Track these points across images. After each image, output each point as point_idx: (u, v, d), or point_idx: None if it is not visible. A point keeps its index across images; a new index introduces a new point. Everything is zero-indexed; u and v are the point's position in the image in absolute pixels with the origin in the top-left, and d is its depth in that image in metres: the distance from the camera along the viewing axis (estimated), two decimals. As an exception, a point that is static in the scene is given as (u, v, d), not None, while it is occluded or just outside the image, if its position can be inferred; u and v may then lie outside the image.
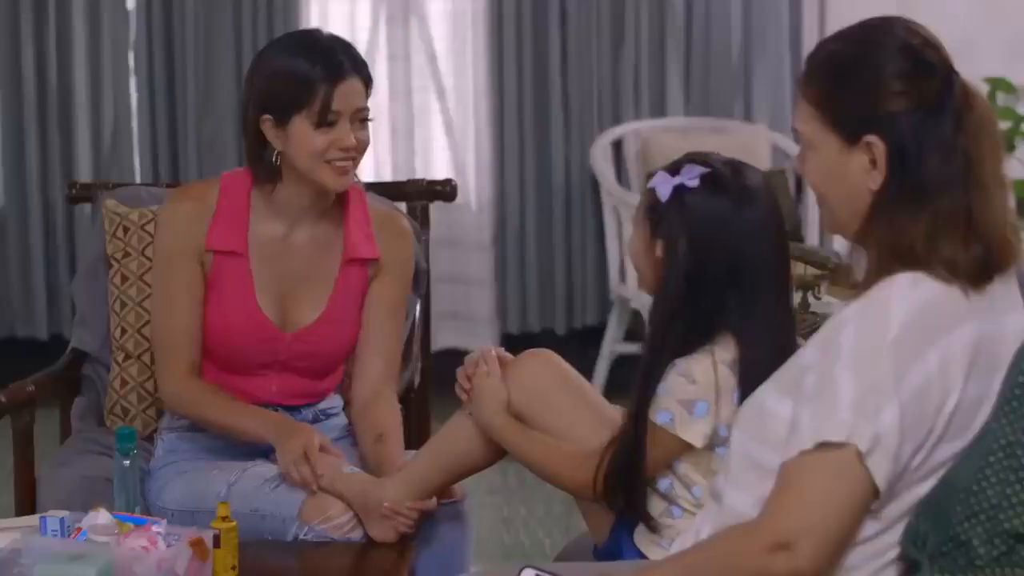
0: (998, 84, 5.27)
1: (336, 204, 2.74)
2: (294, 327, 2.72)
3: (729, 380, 2.22)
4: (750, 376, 2.16)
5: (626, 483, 2.28)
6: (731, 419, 2.16)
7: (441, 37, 5.62)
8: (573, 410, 2.44)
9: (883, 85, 1.90)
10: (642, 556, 2.31)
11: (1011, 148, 5.20)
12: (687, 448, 2.24)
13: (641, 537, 2.33)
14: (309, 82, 2.58)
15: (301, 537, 2.56)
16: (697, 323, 2.23)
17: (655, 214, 2.27)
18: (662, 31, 5.56)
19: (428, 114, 5.63)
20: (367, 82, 2.65)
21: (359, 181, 2.76)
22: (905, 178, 1.90)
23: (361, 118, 2.64)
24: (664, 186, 2.26)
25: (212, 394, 2.71)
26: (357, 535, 2.56)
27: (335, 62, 2.60)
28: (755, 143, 5.43)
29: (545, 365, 2.50)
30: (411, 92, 5.59)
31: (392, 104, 5.57)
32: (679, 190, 2.25)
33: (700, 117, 5.56)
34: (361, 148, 2.65)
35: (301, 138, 2.61)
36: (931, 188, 1.89)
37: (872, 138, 1.90)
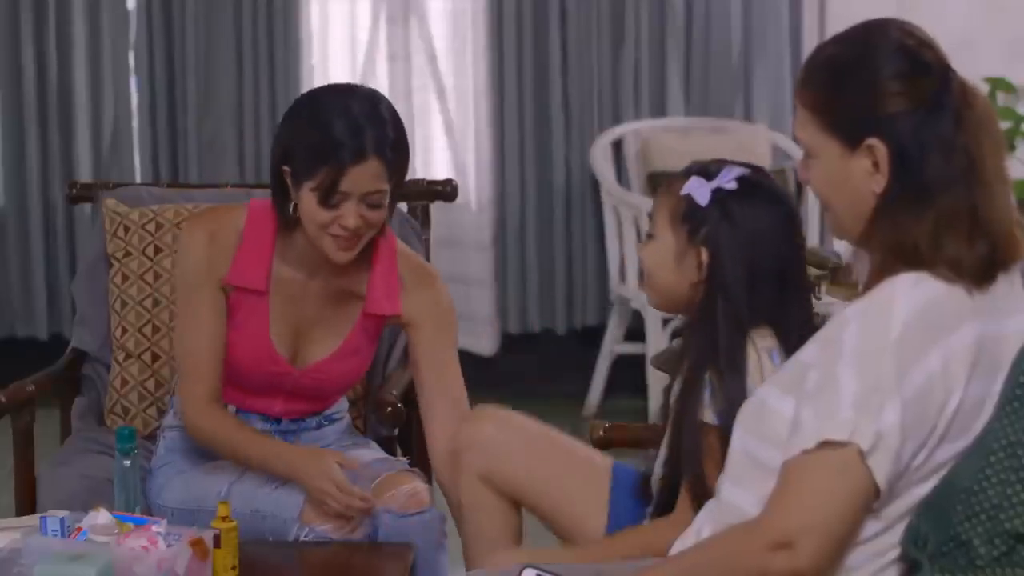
0: (998, 84, 5.26)
1: (364, 253, 2.64)
2: (304, 364, 2.71)
3: (769, 366, 2.22)
4: None
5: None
6: None
7: (441, 37, 5.62)
8: (559, 468, 2.42)
9: (881, 87, 1.90)
10: None
11: (1011, 148, 5.20)
12: None
13: None
14: (320, 158, 2.49)
15: (302, 538, 2.56)
16: (742, 320, 2.23)
17: (693, 220, 2.25)
18: (662, 31, 5.56)
19: (428, 114, 5.63)
20: (391, 163, 2.52)
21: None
22: (908, 179, 1.89)
23: (373, 202, 2.52)
24: (701, 190, 2.25)
25: (232, 428, 2.66)
26: (358, 536, 2.56)
27: (354, 143, 2.48)
28: (755, 143, 5.42)
29: (502, 426, 2.47)
30: (411, 92, 5.59)
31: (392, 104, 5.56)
32: (718, 193, 2.24)
33: (700, 117, 5.56)
34: (370, 226, 2.55)
35: (306, 206, 2.53)
36: (934, 188, 1.88)
37: (873, 141, 1.90)
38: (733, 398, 2.18)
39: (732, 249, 2.23)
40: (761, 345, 2.22)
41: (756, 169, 2.30)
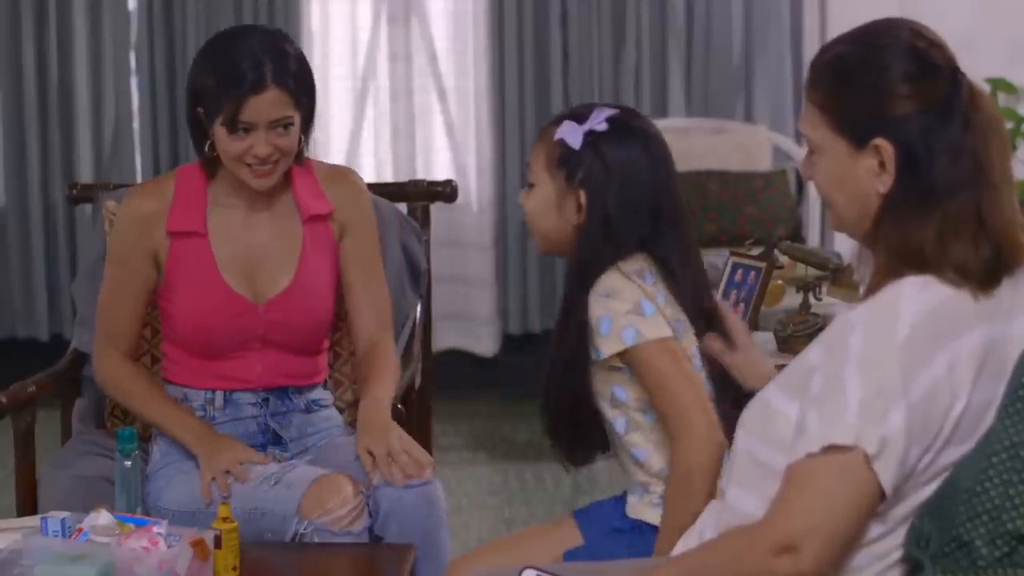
0: (999, 84, 5.27)
1: (284, 176, 2.76)
2: (265, 298, 2.75)
3: (643, 285, 2.28)
4: (680, 285, 2.31)
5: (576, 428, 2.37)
6: (674, 314, 2.29)
7: (442, 37, 5.62)
8: (530, 547, 2.42)
9: (890, 88, 1.89)
10: (642, 523, 2.32)
11: (1012, 149, 5.20)
12: (670, 342, 2.27)
13: (634, 506, 2.34)
14: (220, 92, 2.61)
15: (301, 532, 2.55)
16: (609, 256, 2.29)
17: (568, 164, 2.32)
18: (663, 31, 5.56)
19: (429, 115, 5.63)
20: (293, 91, 2.63)
21: (304, 159, 2.79)
22: (914, 180, 1.89)
23: (282, 125, 2.64)
24: (574, 134, 2.32)
25: (146, 382, 2.80)
26: (357, 527, 2.55)
27: (247, 74, 2.59)
28: (755, 143, 5.42)
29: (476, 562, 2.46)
30: (412, 92, 5.59)
31: (393, 104, 5.57)
32: (590, 136, 2.31)
33: (701, 118, 5.56)
34: (283, 152, 2.66)
35: (220, 140, 2.65)
36: (941, 190, 1.88)
37: (881, 141, 1.89)
38: (579, 315, 2.27)
39: (607, 188, 2.29)
40: (631, 269, 2.29)
41: (626, 110, 2.38)
